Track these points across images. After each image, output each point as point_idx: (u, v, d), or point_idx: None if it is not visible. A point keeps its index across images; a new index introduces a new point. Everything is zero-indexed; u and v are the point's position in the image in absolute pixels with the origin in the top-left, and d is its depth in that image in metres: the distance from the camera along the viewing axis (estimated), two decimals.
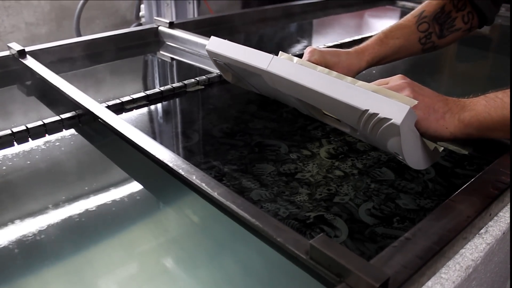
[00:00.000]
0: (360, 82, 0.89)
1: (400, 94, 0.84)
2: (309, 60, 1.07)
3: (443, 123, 0.85)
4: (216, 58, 1.15)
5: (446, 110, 0.86)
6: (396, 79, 0.91)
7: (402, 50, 1.22)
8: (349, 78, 0.92)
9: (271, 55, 0.98)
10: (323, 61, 1.08)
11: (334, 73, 0.96)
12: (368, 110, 0.81)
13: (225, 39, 1.08)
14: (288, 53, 1.06)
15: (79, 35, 3.02)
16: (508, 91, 0.85)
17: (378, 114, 0.80)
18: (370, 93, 0.82)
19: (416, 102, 0.82)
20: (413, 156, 0.85)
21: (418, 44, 1.22)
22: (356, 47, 1.18)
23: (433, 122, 0.85)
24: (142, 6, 2.95)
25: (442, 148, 0.92)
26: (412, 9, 1.25)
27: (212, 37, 1.14)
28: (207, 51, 1.15)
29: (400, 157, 0.85)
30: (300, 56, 1.09)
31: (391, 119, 0.78)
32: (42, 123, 1.15)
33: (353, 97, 0.83)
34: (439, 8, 1.21)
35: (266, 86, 1.05)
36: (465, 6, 1.21)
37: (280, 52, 1.07)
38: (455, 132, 0.86)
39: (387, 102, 0.79)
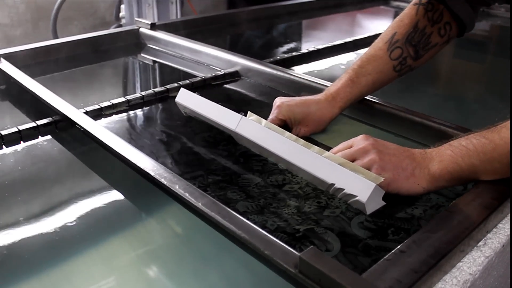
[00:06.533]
0: (327, 153, 0.93)
1: (366, 170, 0.87)
2: (277, 117, 1.11)
3: (413, 180, 0.88)
4: (185, 110, 1.22)
5: (415, 166, 0.89)
6: (360, 141, 0.93)
7: (376, 84, 1.19)
8: (316, 147, 0.96)
9: (239, 116, 1.06)
10: (292, 115, 1.11)
11: (302, 140, 0.99)
12: (334, 184, 0.88)
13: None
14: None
15: (56, 37, 3.01)
16: (470, 137, 0.88)
17: (344, 189, 0.86)
18: (336, 166, 0.89)
19: (382, 179, 0.85)
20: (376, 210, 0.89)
21: (393, 73, 1.19)
22: (327, 92, 1.17)
23: (403, 181, 0.88)
24: (122, 6, 2.94)
25: None
26: None
27: (181, 89, 1.21)
28: (176, 103, 1.22)
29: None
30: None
31: (356, 196, 0.85)
32: (17, 129, 1.14)
33: (320, 170, 0.91)
34: (412, 27, 1.17)
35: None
36: (441, 17, 1.16)
37: (249, 112, 1.10)
38: (428, 187, 0.89)
39: (353, 178, 0.86)
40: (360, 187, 0.85)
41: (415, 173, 0.88)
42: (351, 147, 0.94)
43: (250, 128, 1.05)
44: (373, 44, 1.22)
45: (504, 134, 0.84)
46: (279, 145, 0.99)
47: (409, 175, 0.88)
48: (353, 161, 0.91)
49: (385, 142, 0.93)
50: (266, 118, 1.10)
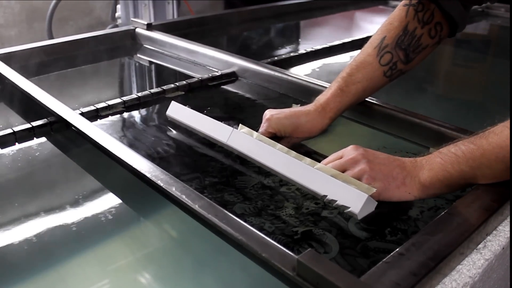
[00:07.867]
0: (319, 165, 0.94)
1: (358, 181, 0.88)
2: (266, 130, 1.10)
3: (404, 189, 0.89)
4: (176, 123, 1.23)
5: (405, 175, 0.89)
6: (350, 151, 0.94)
7: (367, 91, 1.18)
8: (308, 159, 0.96)
9: (231, 128, 1.07)
10: (282, 128, 1.10)
11: (293, 152, 0.99)
12: (326, 195, 0.89)
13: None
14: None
15: (51, 37, 3.00)
16: (459, 143, 0.88)
17: (336, 200, 0.87)
18: (328, 178, 0.90)
19: (374, 190, 0.86)
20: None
21: (383, 79, 1.18)
22: (317, 103, 1.15)
23: (395, 190, 0.88)
24: (118, 6, 2.93)
25: None
26: None
27: (172, 102, 1.22)
28: (167, 116, 1.23)
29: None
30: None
31: (349, 207, 0.85)
32: (12, 131, 1.14)
33: (312, 182, 0.92)
34: (402, 30, 1.15)
35: None
36: (432, 17, 1.14)
37: (240, 125, 1.10)
38: (419, 195, 0.89)
39: (345, 189, 0.87)
40: (353, 198, 0.85)
41: (405, 182, 0.88)
42: (341, 158, 0.94)
43: (241, 140, 1.05)
44: (362, 49, 1.20)
45: (492, 139, 0.84)
46: (271, 157, 1.00)
47: (400, 184, 0.88)
48: (343, 171, 0.91)
49: (375, 151, 0.93)
50: (261, 119, 1.10)
